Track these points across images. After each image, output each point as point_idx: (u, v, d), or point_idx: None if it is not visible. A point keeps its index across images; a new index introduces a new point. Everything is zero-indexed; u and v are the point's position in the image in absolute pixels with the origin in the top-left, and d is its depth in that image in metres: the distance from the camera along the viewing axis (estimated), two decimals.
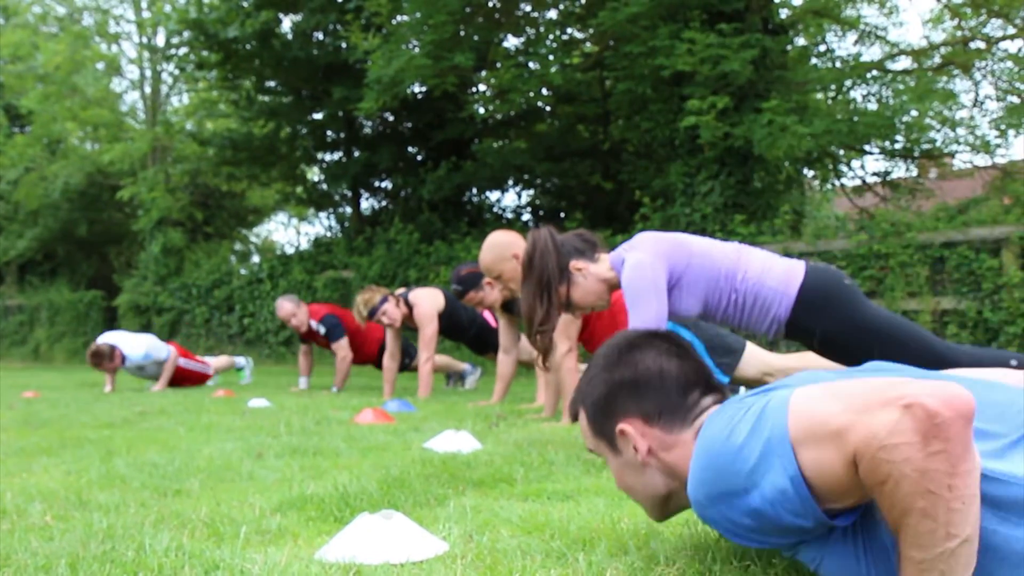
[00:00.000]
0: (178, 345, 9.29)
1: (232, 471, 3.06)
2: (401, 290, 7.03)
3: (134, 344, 8.49)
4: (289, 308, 8.01)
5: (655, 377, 1.65)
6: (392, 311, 6.76)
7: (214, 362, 9.64)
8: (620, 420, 1.66)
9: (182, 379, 8.94)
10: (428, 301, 6.82)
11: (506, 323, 6.11)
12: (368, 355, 8.22)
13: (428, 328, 6.74)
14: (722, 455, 1.38)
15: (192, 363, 9.10)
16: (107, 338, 8.60)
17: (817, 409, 1.28)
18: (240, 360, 9.98)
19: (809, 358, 4.41)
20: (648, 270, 3.20)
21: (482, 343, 7.35)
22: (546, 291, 3.35)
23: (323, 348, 8.34)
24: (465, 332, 7.22)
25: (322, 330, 8.00)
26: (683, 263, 3.26)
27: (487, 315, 7.19)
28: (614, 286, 3.41)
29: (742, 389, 6.17)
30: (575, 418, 1.81)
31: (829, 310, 3.22)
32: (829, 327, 3.23)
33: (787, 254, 8.91)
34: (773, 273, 3.28)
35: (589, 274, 3.37)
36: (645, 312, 3.18)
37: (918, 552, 1.20)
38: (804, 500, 1.29)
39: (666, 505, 1.71)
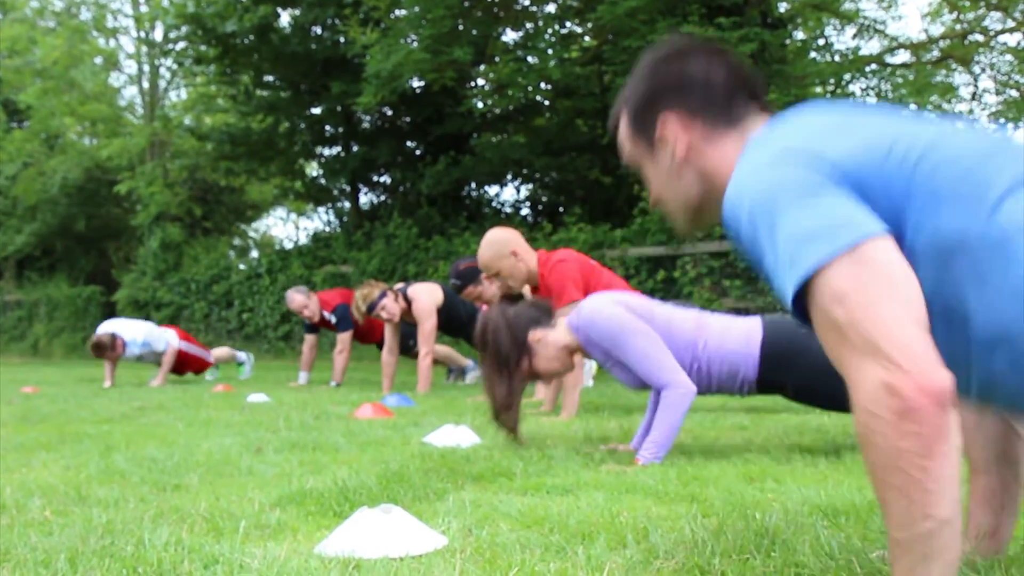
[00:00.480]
0: (179, 329, 9.28)
1: (231, 466, 3.06)
2: (400, 285, 7.03)
3: (133, 331, 8.49)
4: (300, 300, 8.03)
5: (701, 76, 1.61)
6: (391, 306, 6.76)
7: (215, 351, 9.66)
8: (662, 116, 1.62)
9: (183, 364, 8.94)
10: (427, 296, 6.83)
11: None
12: (379, 335, 8.21)
13: (427, 323, 6.74)
14: (770, 215, 1.31)
15: (194, 347, 9.11)
16: (106, 326, 8.60)
17: (842, 287, 1.23)
18: (241, 355, 9.99)
19: None
20: (608, 308, 3.27)
21: None
22: (505, 369, 3.34)
23: (333, 331, 8.36)
24: (464, 327, 7.22)
25: (334, 319, 8.04)
26: (646, 319, 3.25)
27: (485, 310, 7.19)
28: (574, 349, 3.40)
29: None
30: (615, 128, 1.76)
31: (794, 363, 3.22)
32: (798, 380, 3.24)
33: None
34: (732, 336, 3.27)
35: (548, 343, 3.36)
36: (633, 338, 3.20)
37: (897, 531, 1.21)
38: (794, 314, 1.31)
39: (701, 212, 1.65)
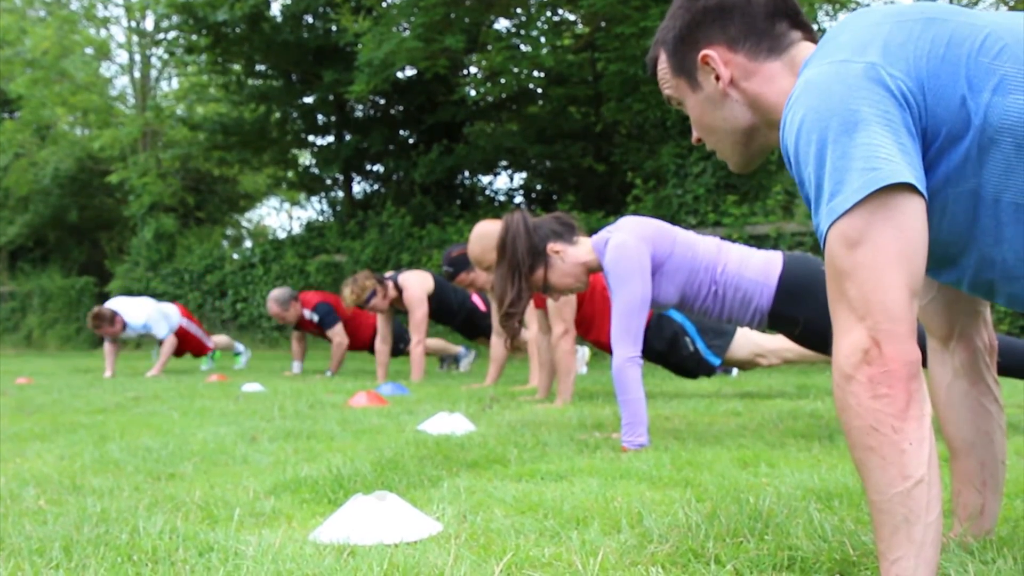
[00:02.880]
0: (182, 307, 9.29)
1: (226, 455, 3.06)
2: (390, 273, 7.03)
3: (136, 312, 8.48)
4: (275, 311, 7.95)
5: (741, 2, 1.59)
6: (380, 305, 6.76)
7: (216, 338, 9.67)
8: (704, 47, 1.60)
9: (182, 343, 8.94)
10: (417, 284, 6.82)
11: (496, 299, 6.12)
12: (363, 341, 8.22)
13: (418, 311, 6.74)
14: (821, 136, 1.29)
15: (195, 327, 9.12)
16: (112, 303, 8.63)
17: (853, 236, 1.25)
18: (239, 346, 9.98)
19: None
20: (633, 251, 3.22)
21: (472, 327, 7.35)
22: (517, 274, 3.37)
23: (317, 336, 8.32)
24: (455, 316, 7.22)
25: (315, 318, 7.99)
26: (666, 250, 3.28)
27: (476, 299, 7.19)
28: (593, 269, 3.42)
29: (735, 371, 6.19)
30: (653, 66, 1.75)
31: (810, 298, 3.24)
32: (811, 315, 3.25)
33: (779, 235, 8.94)
34: (752, 264, 3.30)
35: (567, 256, 3.39)
36: (629, 293, 3.19)
37: (876, 494, 1.24)
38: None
39: (749, 143, 1.64)
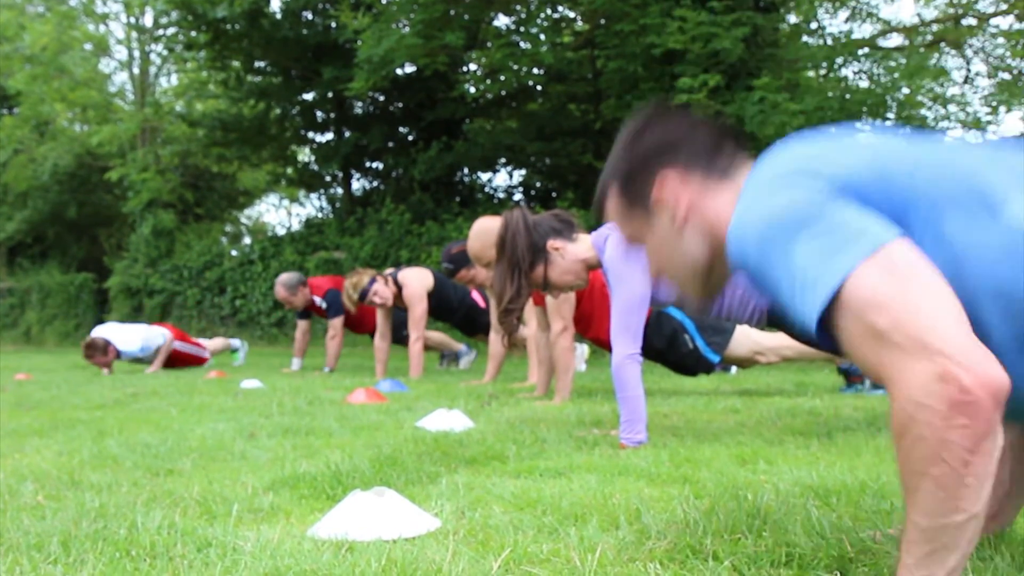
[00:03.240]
0: (174, 327, 9.28)
1: (224, 451, 3.06)
2: (390, 270, 7.03)
3: (130, 338, 8.48)
4: (282, 295, 7.98)
5: (686, 132, 1.58)
6: (382, 290, 6.76)
7: (210, 345, 9.66)
8: (657, 177, 1.57)
9: (178, 361, 8.94)
10: (417, 281, 6.82)
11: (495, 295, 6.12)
12: (371, 326, 8.20)
13: (417, 308, 6.74)
14: (780, 242, 1.29)
15: (189, 346, 9.11)
16: (102, 331, 8.59)
17: (876, 294, 1.20)
18: (235, 342, 9.98)
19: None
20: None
21: (471, 323, 7.36)
22: (517, 271, 3.36)
23: (324, 318, 8.35)
24: (454, 313, 7.22)
25: (324, 305, 8.02)
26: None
27: (476, 296, 7.19)
28: (593, 265, 3.42)
29: (734, 369, 6.19)
30: (602, 206, 1.71)
31: None
32: None
33: None
34: None
35: (567, 253, 3.38)
36: (629, 290, 3.18)
37: (924, 519, 1.19)
38: (818, 336, 1.27)
39: (709, 276, 1.59)
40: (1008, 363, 1.19)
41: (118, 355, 8.35)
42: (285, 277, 8.07)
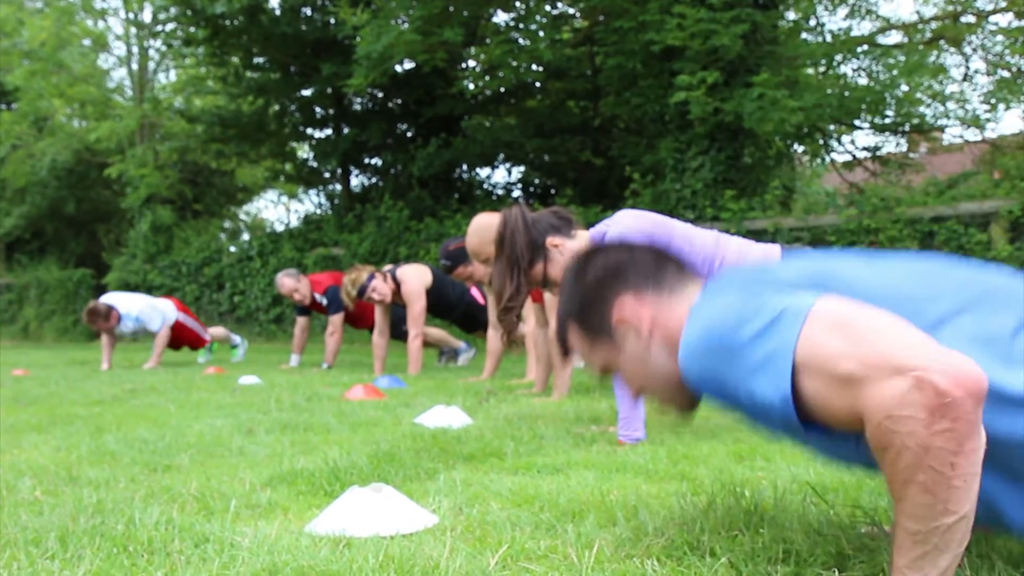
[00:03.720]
0: (177, 301, 9.31)
1: (222, 447, 3.06)
2: (389, 267, 7.02)
3: (129, 305, 8.52)
4: (290, 284, 8.03)
5: (626, 258, 1.63)
6: (381, 287, 6.75)
7: (212, 330, 9.69)
8: (614, 303, 1.61)
9: (179, 337, 8.99)
10: (415, 277, 6.82)
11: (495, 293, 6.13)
12: (371, 321, 8.21)
13: (416, 304, 6.74)
14: (724, 345, 1.35)
15: (192, 321, 9.15)
16: (106, 298, 8.65)
17: (830, 346, 1.25)
18: (236, 338, 9.98)
19: None
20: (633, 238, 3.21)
21: (471, 320, 7.36)
22: (516, 269, 3.36)
23: (325, 314, 8.36)
24: (453, 309, 7.22)
25: (324, 302, 8.04)
26: (667, 236, 3.26)
27: (475, 293, 7.19)
28: None
29: None
30: (564, 347, 1.74)
31: None
32: None
33: (777, 230, 8.94)
34: (750, 258, 3.29)
35: (566, 250, 3.37)
36: None
37: (914, 523, 1.20)
38: (790, 420, 1.29)
39: (685, 389, 1.62)
40: None
41: (119, 320, 8.38)
42: (285, 270, 8.17)
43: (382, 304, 6.94)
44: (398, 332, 7.54)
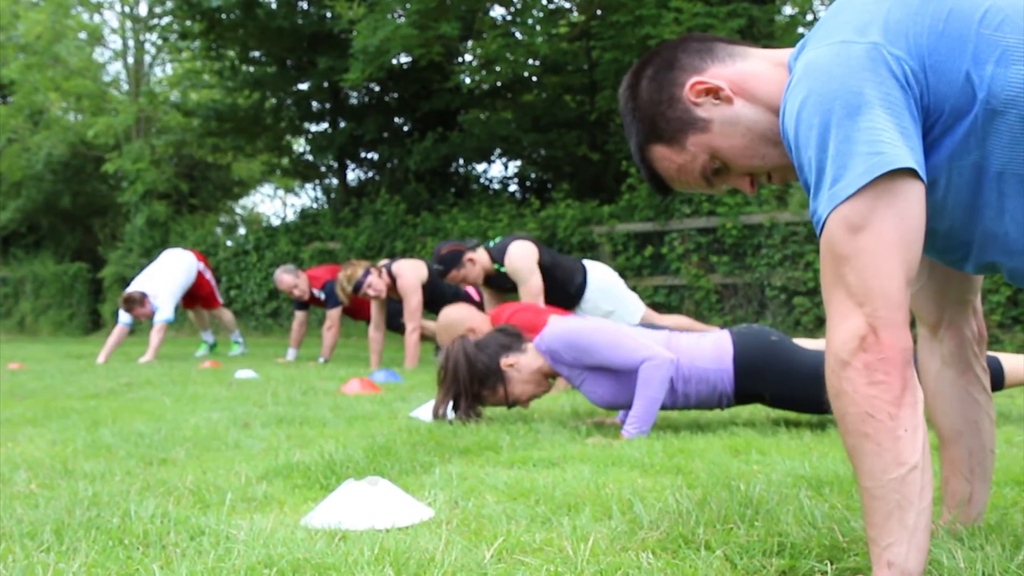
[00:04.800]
0: (199, 253, 9.54)
1: (218, 440, 3.06)
2: (384, 262, 7.02)
3: (157, 289, 8.73)
4: (289, 280, 8.05)
5: (672, 51, 1.57)
6: (376, 283, 6.75)
7: (224, 311, 9.76)
8: (681, 94, 1.53)
9: (198, 287, 9.24)
10: (411, 272, 6.82)
11: (490, 296, 6.15)
12: (369, 313, 8.21)
13: (413, 299, 6.74)
14: (818, 123, 1.29)
15: (211, 275, 9.49)
16: (136, 285, 8.85)
17: (860, 222, 1.25)
18: (238, 336, 9.99)
19: None
20: (565, 321, 3.34)
21: None
22: (460, 400, 3.41)
23: (323, 308, 8.38)
24: (449, 305, 7.21)
25: (322, 297, 8.06)
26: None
27: (470, 289, 7.19)
28: (547, 372, 3.41)
29: None
30: (651, 171, 1.62)
31: (768, 372, 3.21)
32: (775, 389, 3.23)
33: (773, 224, 8.94)
34: (702, 353, 3.26)
35: (522, 367, 3.39)
36: (603, 334, 3.21)
37: (870, 480, 1.25)
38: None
39: (781, 145, 1.52)
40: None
41: (153, 310, 8.63)
42: (283, 267, 8.23)
43: (377, 299, 6.94)
44: (395, 324, 7.54)
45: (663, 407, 3.24)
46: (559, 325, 3.31)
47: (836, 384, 1.27)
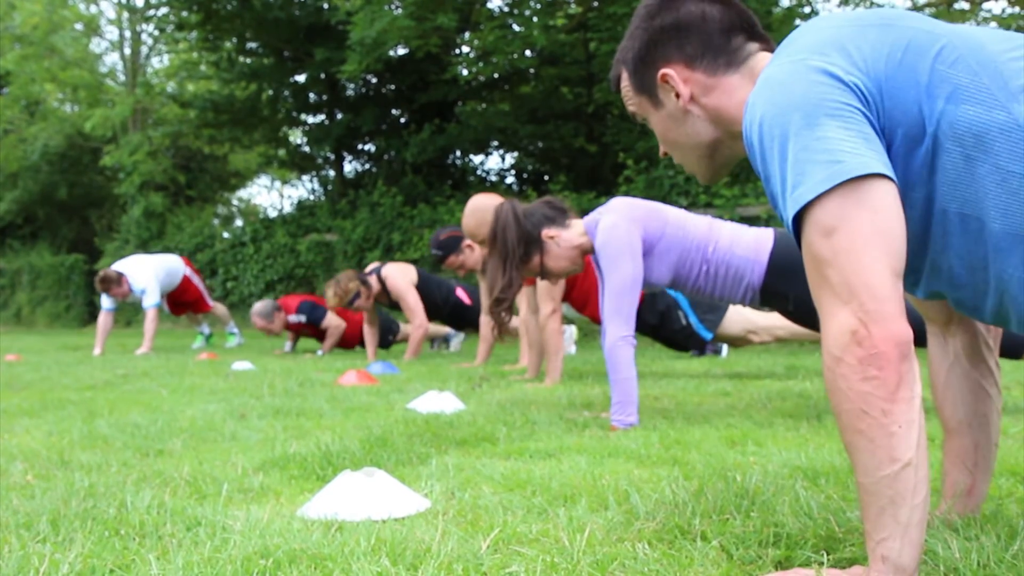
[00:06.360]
0: (187, 259, 9.45)
1: (215, 432, 3.06)
2: (374, 265, 7.02)
3: (137, 275, 8.68)
4: (262, 324, 8.01)
5: (697, 19, 1.62)
6: (363, 303, 6.78)
7: (215, 306, 9.73)
8: (662, 67, 1.64)
9: (184, 296, 9.16)
10: (400, 274, 6.82)
11: (488, 285, 6.13)
12: (349, 339, 8.22)
13: (408, 296, 6.72)
14: (780, 133, 1.30)
15: (199, 281, 9.34)
16: (118, 265, 8.82)
17: (835, 223, 1.24)
18: (233, 327, 9.98)
19: None
20: (623, 232, 3.23)
21: (458, 319, 7.36)
22: (508, 263, 3.43)
23: (310, 336, 8.32)
24: (439, 310, 7.21)
25: (303, 319, 7.99)
26: (658, 232, 3.29)
27: (461, 293, 7.19)
28: (587, 251, 3.44)
29: (725, 348, 6.21)
30: (617, 84, 1.79)
31: (801, 274, 3.24)
32: (801, 291, 3.27)
33: (770, 216, 8.94)
34: (743, 242, 3.33)
35: (562, 240, 3.42)
36: (621, 274, 3.20)
37: (865, 476, 1.25)
38: (796, 238, 1.33)
39: (714, 156, 1.66)
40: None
41: (130, 287, 8.58)
42: (259, 307, 8.09)
43: (371, 308, 6.98)
44: (384, 342, 7.57)
45: (691, 288, 3.31)
46: (616, 230, 3.25)
47: (831, 380, 1.27)
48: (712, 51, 1.60)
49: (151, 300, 8.59)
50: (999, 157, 1.25)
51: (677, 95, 1.63)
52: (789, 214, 1.29)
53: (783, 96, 1.31)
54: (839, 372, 1.24)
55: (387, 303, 6.98)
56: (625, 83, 1.74)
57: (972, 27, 1.36)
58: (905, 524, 1.23)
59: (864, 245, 1.24)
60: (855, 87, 1.29)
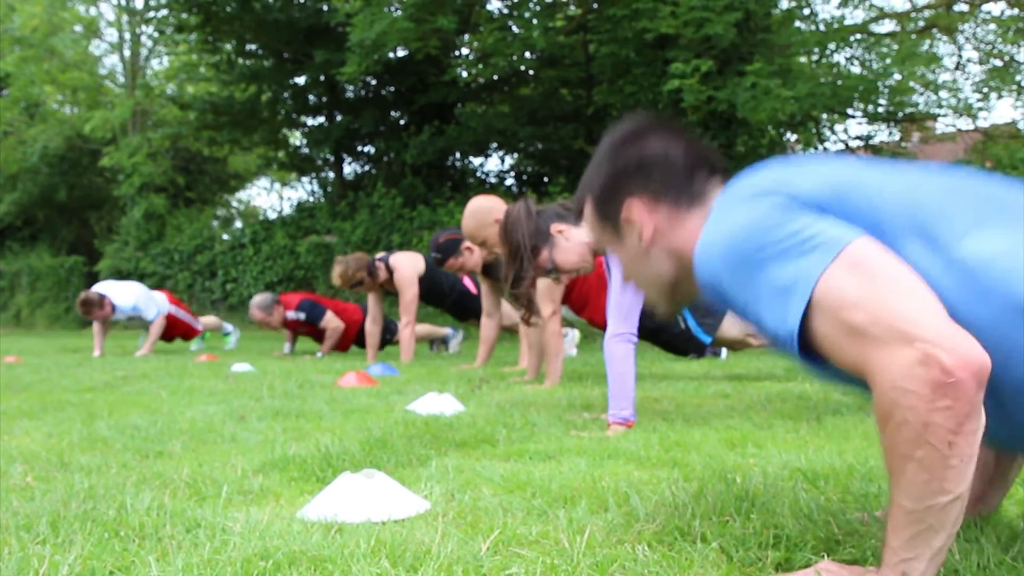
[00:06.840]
0: (169, 294, 9.32)
1: (214, 433, 3.06)
2: (382, 254, 7.02)
3: (124, 295, 8.51)
4: (260, 316, 7.98)
5: (660, 157, 1.61)
6: (368, 285, 6.80)
7: (204, 319, 9.68)
8: (625, 202, 1.62)
9: (171, 328, 8.98)
10: (408, 265, 6.83)
11: (488, 287, 6.12)
12: (348, 338, 8.23)
13: (408, 292, 6.74)
14: (745, 257, 1.32)
15: (183, 313, 9.15)
16: (98, 288, 8.65)
17: (847, 291, 1.23)
18: (228, 326, 9.98)
19: None
20: None
21: (463, 309, 7.36)
22: (518, 256, 3.47)
23: (307, 335, 8.31)
24: (446, 298, 7.22)
25: (302, 316, 7.99)
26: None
27: (468, 282, 7.20)
28: (598, 250, 3.47)
29: (724, 354, 6.20)
30: (580, 211, 1.77)
31: None
32: None
33: None
34: None
35: (571, 235, 3.45)
36: None
37: (909, 502, 1.20)
38: (793, 352, 1.29)
39: (674, 292, 1.65)
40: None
41: (113, 309, 8.39)
42: (258, 299, 8.05)
43: (374, 294, 6.97)
44: (383, 340, 7.58)
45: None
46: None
47: (889, 411, 1.18)
48: (675, 189, 1.59)
49: (151, 313, 8.55)
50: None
51: (640, 232, 1.61)
52: (797, 311, 1.26)
53: (737, 224, 1.35)
54: (904, 402, 1.16)
55: (392, 291, 6.99)
56: (589, 211, 1.71)
57: (911, 168, 1.41)
58: (937, 549, 1.21)
59: (891, 293, 1.22)
60: (802, 202, 1.34)
